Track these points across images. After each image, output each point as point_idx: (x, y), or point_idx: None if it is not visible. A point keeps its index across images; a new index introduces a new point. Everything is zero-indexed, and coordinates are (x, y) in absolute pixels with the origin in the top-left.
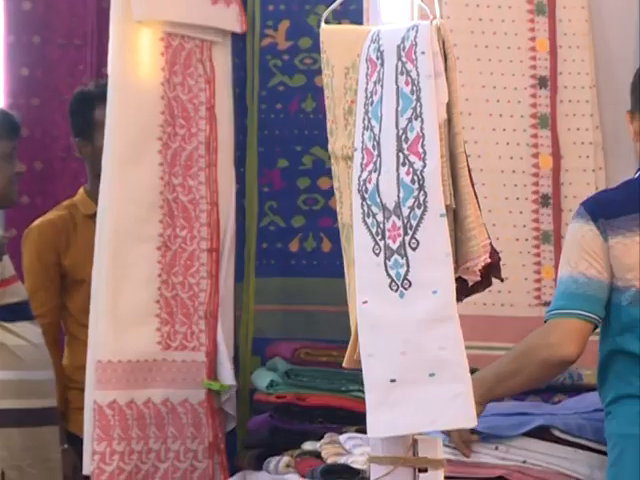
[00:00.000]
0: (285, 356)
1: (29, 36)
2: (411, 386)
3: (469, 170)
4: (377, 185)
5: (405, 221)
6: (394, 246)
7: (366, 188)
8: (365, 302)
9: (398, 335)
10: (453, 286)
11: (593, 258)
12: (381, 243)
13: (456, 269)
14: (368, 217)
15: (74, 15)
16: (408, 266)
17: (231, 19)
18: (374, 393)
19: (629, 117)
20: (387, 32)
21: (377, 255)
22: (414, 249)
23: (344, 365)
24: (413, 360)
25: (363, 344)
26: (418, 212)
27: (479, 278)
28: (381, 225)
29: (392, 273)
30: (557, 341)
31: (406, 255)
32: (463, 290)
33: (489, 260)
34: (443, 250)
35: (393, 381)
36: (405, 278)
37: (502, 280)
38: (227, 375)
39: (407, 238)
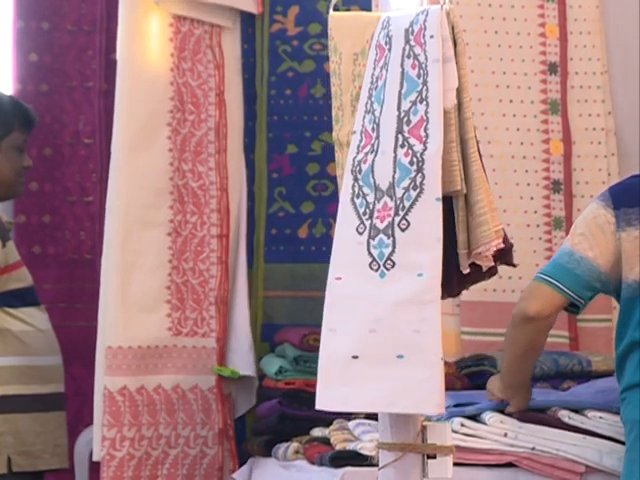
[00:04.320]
0: (294, 342)
1: (38, 22)
2: (374, 365)
3: (480, 156)
4: (372, 166)
5: (398, 202)
6: (381, 226)
7: (360, 169)
8: (339, 278)
9: (370, 313)
10: (440, 271)
11: (596, 242)
12: (367, 222)
13: (468, 255)
14: (357, 197)
15: (83, 1)
16: (394, 247)
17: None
18: (329, 367)
19: None
20: (397, 17)
21: (360, 234)
22: (403, 230)
23: None
24: (382, 339)
25: (327, 318)
26: (413, 194)
27: (492, 263)
28: (370, 205)
29: (374, 252)
30: (525, 297)
31: (393, 235)
32: (470, 278)
33: (502, 245)
34: (434, 234)
35: (355, 357)
36: (389, 258)
37: (515, 266)
38: (243, 364)
39: (397, 219)
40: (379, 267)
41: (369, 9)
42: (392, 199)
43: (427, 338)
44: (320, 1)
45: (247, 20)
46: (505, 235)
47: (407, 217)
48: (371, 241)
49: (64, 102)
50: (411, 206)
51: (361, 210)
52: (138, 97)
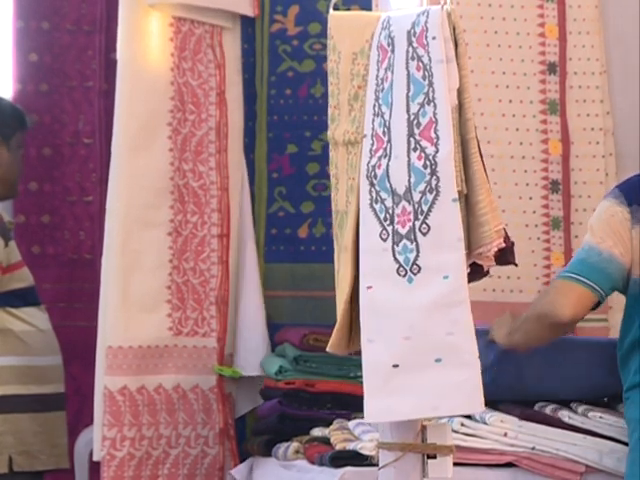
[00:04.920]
0: (294, 342)
1: (38, 22)
2: (415, 371)
3: (481, 156)
4: (387, 170)
5: (416, 206)
6: (403, 231)
7: (375, 174)
8: (370, 287)
9: (403, 320)
10: (465, 271)
11: (619, 240)
12: (389, 228)
13: (468, 255)
14: (376, 203)
15: (83, 1)
16: (418, 251)
17: (243, 2)
18: (373, 379)
19: None
20: (397, 18)
21: (384, 240)
22: (424, 234)
23: (327, 349)
24: (418, 345)
25: (364, 329)
26: (430, 197)
27: (494, 263)
28: (390, 210)
29: (400, 258)
30: (558, 300)
31: (416, 240)
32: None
33: (504, 245)
34: (455, 235)
35: (396, 366)
36: (414, 263)
37: (516, 265)
38: (249, 364)
39: (417, 223)
40: (406, 273)
41: (369, 9)
42: (410, 203)
43: (461, 339)
44: (320, 1)
45: (247, 20)
46: (506, 234)
47: (427, 221)
48: (395, 247)
49: (64, 102)
50: (429, 209)
51: (381, 216)
52: (138, 97)
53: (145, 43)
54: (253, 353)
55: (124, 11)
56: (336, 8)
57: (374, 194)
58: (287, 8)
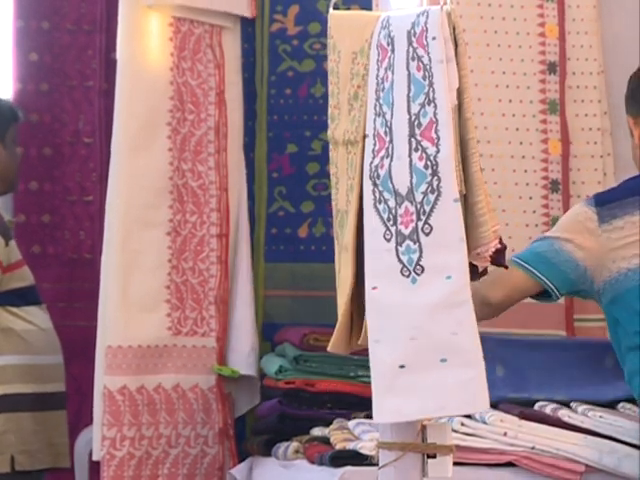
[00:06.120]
0: (294, 342)
1: (38, 21)
2: (421, 372)
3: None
4: (389, 171)
5: (418, 206)
6: (406, 232)
7: (378, 174)
8: (375, 288)
9: (408, 321)
10: (467, 271)
11: (576, 236)
12: (392, 229)
13: (467, 255)
14: (379, 203)
15: (83, 0)
16: (421, 252)
17: (241, 3)
18: (381, 379)
19: (632, 121)
20: (397, 18)
21: (388, 241)
22: (427, 234)
23: (328, 349)
24: (423, 345)
25: (370, 330)
26: (432, 197)
27: (489, 264)
28: (393, 211)
29: (404, 259)
30: (491, 281)
31: (419, 240)
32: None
33: (499, 246)
34: (457, 235)
35: (402, 367)
36: (417, 264)
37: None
38: (244, 363)
39: (420, 223)
40: (410, 273)
41: (369, 8)
42: (412, 204)
43: (465, 339)
44: (320, 1)
45: (247, 20)
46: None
47: (429, 221)
48: (399, 247)
49: (64, 101)
50: (431, 210)
51: (385, 216)
52: (138, 96)
53: (145, 43)
54: (243, 353)
55: (124, 11)
56: (336, 8)
57: (377, 194)
58: (287, 8)
